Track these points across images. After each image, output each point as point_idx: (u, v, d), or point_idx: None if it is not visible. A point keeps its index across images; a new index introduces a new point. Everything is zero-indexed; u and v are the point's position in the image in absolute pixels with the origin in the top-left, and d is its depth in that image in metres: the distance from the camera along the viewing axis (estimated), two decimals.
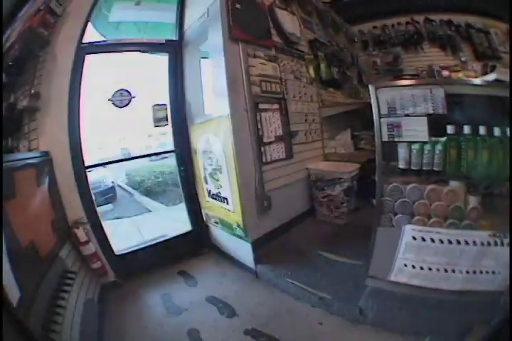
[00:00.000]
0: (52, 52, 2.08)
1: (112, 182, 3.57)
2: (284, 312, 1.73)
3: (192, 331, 1.68)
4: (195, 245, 2.60)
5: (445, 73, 3.85)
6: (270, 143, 2.25)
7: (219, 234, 2.49)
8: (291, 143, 2.44)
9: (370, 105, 2.63)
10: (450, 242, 1.38)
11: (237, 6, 2.28)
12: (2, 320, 0.75)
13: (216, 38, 2.14)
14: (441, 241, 1.39)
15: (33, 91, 2.04)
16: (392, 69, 3.83)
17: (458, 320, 1.29)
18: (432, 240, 1.41)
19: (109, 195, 3.39)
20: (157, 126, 2.69)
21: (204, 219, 2.58)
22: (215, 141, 2.14)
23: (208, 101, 2.44)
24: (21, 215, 1.38)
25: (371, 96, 1.53)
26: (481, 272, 1.36)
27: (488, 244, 1.33)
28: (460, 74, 3.75)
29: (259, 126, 2.17)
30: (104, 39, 2.73)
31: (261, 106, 2.23)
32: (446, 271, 1.40)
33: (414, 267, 1.46)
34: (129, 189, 3.28)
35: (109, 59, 2.85)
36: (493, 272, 1.34)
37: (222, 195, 2.20)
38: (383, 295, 1.54)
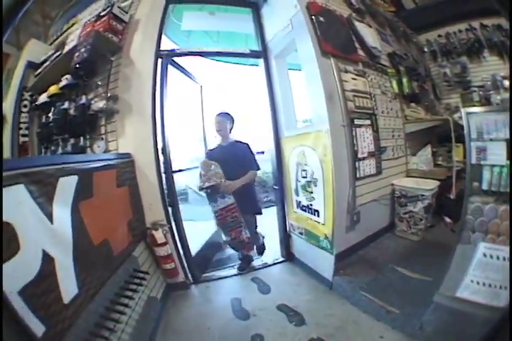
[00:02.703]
0: (127, 57, 2.14)
1: (186, 185, 3.70)
2: (349, 323, 1.75)
3: (256, 336, 1.70)
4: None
5: (506, 83, 3.70)
6: (364, 158, 2.28)
7: (300, 245, 2.54)
8: (381, 159, 2.45)
9: (449, 122, 2.63)
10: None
11: (321, 18, 2.30)
12: (2, 320, 0.73)
13: (307, 50, 2.17)
14: (504, 259, 1.45)
15: (109, 94, 2.10)
16: (461, 80, 3.72)
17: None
18: (497, 257, 1.47)
19: (182, 197, 3.52)
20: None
21: (287, 229, 2.64)
22: (312, 155, 2.18)
23: (300, 115, 2.49)
24: (97, 214, 1.40)
25: (463, 120, 1.63)
26: None
27: None
28: None
29: (354, 142, 2.21)
30: (185, 47, 2.82)
31: (356, 121, 2.26)
32: (500, 287, 1.43)
33: (478, 283, 1.49)
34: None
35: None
36: None
37: (314, 207, 2.24)
38: (445, 311, 1.55)
